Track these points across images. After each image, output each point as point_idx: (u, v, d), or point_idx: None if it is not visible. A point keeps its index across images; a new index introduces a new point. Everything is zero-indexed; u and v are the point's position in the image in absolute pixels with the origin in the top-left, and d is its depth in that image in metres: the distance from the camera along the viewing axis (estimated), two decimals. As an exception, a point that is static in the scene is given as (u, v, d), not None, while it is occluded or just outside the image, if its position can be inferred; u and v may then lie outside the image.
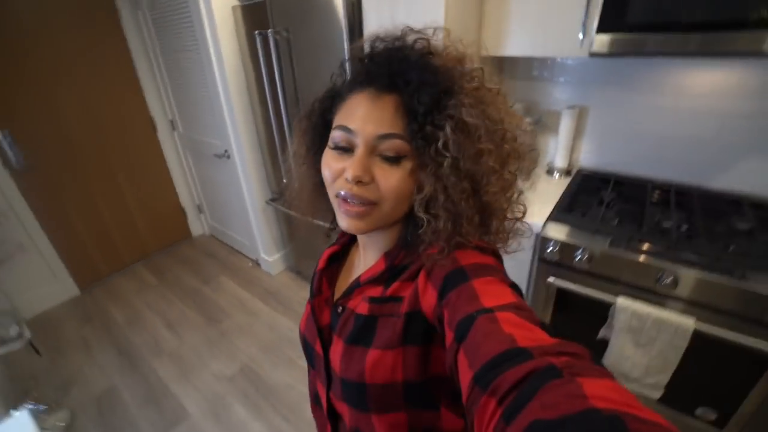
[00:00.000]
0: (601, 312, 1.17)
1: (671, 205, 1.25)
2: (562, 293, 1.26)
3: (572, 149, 1.58)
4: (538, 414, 0.23)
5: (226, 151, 2.20)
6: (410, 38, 0.45)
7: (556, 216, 1.25)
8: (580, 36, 1.16)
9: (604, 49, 1.10)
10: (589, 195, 1.38)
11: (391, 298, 0.48)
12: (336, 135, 0.44)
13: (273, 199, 2.22)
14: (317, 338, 0.56)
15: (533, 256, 1.32)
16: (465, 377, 0.32)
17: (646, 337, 1.08)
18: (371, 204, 0.44)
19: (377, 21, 1.34)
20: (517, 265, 1.38)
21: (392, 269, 0.49)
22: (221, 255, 2.77)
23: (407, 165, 0.42)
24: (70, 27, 2.10)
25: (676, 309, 1.05)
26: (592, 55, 1.14)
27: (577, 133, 1.55)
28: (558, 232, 1.20)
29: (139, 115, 2.52)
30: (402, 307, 0.46)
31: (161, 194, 2.78)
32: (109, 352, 1.98)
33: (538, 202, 1.38)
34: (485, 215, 0.45)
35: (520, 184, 0.48)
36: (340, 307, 0.53)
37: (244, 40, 1.83)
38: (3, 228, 1.98)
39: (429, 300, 0.43)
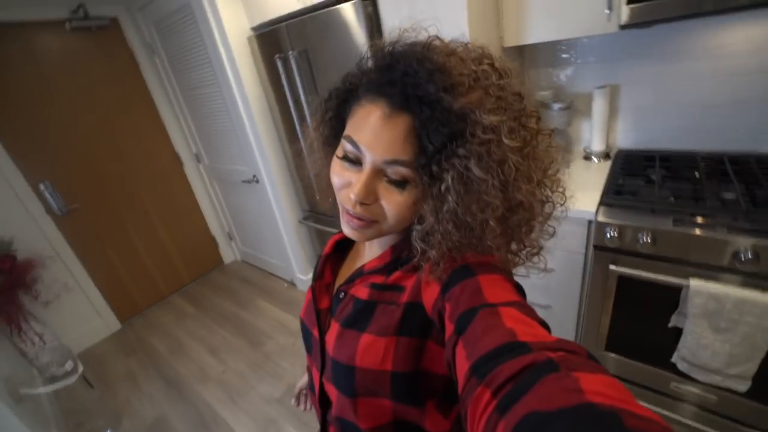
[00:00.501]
0: (671, 297, 1.08)
1: (730, 175, 1.16)
2: (624, 281, 1.17)
3: (608, 131, 1.51)
4: (534, 406, 0.23)
5: (254, 176, 2.23)
6: (431, 59, 0.38)
7: (606, 200, 1.18)
8: (607, 11, 1.12)
9: (637, 19, 1.05)
10: (635, 175, 1.30)
11: (392, 286, 0.48)
12: (346, 146, 0.43)
13: (305, 218, 2.22)
14: (315, 322, 0.56)
15: (587, 245, 1.24)
16: (462, 368, 0.31)
17: (726, 320, 0.98)
18: (372, 221, 0.44)
19: (397, 23, 1.34)
20: (567, 256, 1.31)
21: (397, 261, 0.50)
22: (255, 279, 2.78)
23: (412, 192, 0.41)
24: (95, 77, 2.22)
25: (761, 287, 0.95)
26: (623, 27, 1.10)
27: (611, 113, 1.49)
28: (613, 216, 1.13)
29: (165, 153, 2.62)
30: (403, 296, 0.46)
31: (192, 225, 2.85)
32: (156, 382, 1.99)
33: (581, 189, 1.32)
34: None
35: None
36: (342, 293, 0.54)
37: (261, 66, 1.87)
38: (50, 271, 2.05)
39: (430, 293, 0.42)
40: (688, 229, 1.01)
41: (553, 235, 0.48)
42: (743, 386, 1.03)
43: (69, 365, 1.63)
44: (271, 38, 1.72)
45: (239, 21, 1.81)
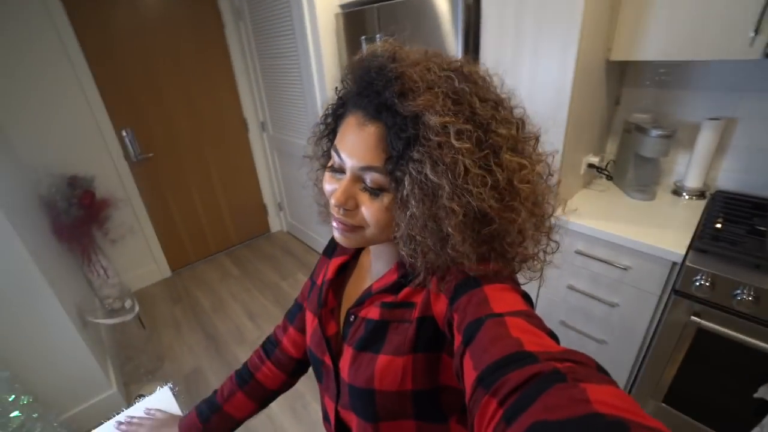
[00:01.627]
0: (762, 366, 0.97)
1: None
2: (703, 335, 1.07)
3: (708, 168, 1.36)
4: (540, 416, 0.23)
5: (315, 152, 2.25)
6: (390, 68, 0.39)
7: (700, 245, 1.07)
8: (752, 34, 0.99)
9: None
10: (736, 222, 1.17)
11: (402, 304, 0.47)
12: (333, 156, 0.44)
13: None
14: (325, 349, 0.55)
15: (665, 287, 1.14)
16: (469, 378, 0.31)
17: (831, 405, 0.87)
18: (356, 227, 0.45)
19: (498, 26, 1.27)
20: (637, 294, 1.21)
21: (404, 277, 0.49)
22: (298, 252, 2.86)
23: (386, 199, 0.42)
24: (184, 36, 2.32)
25: None
26: (769, 56, 0.96)
27: (718, 149, 1.34)
28: (705, 264, 1.02)
29: (233, 116, 2.71)
30: (414, 312, 0.45)
31: (247, 190, 2.95)
32: (197, 334, 2.11)
33: (665, 227, 1.21)
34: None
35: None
36: (353, 316, 0.53)
37: (344, 45, 1.86)
38: (121, 213, 2.20)
39: (440, 305, 0.43)
40: (802, 296, 0.89)
41: (555, 250, 0.46)
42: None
43: (128, 303, 1.76)
44: (358, 18, 1.70)
45: (329, -5, 1.80)
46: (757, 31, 0.97)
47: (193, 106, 2.47)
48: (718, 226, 1.15)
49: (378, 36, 1.59)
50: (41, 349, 1.40)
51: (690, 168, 1.38)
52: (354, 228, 0.45)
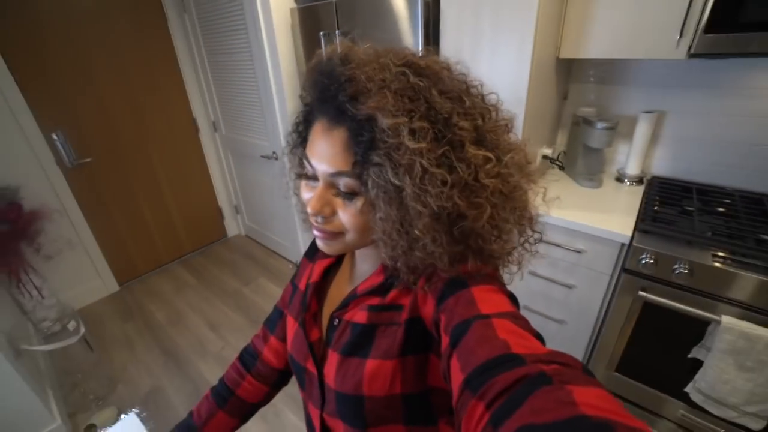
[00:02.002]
0: (695, 330, 1.10)
1: (772, 217, 1.17)
2: (649, 307, 1.19)
3: (645, 156, 1.51)
4: (527, 419, 0.23)
5: (274, 152, 2.18)
6: (341, 71, 0.38)
7: (643, 226, 1.18)
8: (677, 37, 1.10)
9: (712, 50, 1.04)
10: (670, 205, 1.30)
11: (390, 306, 0.46)
12: (305, 164, 0.44)
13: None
14: (309, 355, 0.53)
15: (615, 266, 1.25)
16: (456, 380, 0.32)
17: (754, 360, 1.00)
18: (336, 233, 0.44)
19: (457, 24, 1.30)
20: (591, 275, 1.31)
21: (390, 279, 0.48)
22: (259, 256, 2.75)
23: (359, 202, 0.41)
24: (122, 30, 2.12)
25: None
26: (693, 56, 1.08)
27: (652, 139, 1.49)
28: (648, 243, 1.13)
29: (182, 116, 2.54)
30: (402, 315, 0.45)
31: (200, 194, 2.78)
32: (154, 351, 1.96)
33: (611, 211, 1.32)
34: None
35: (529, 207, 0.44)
36: (336, 320, 0.52)
37: (300, 42, 1.81)
38: (56, 225, 1.98)
39: (428, 306, 0.42)
40: (728, 266, 1.02)
41: (538, 241, 0.46)
42: (758, 425, 1.05)
43: (71, 324, 1.58)
44: (315, 14, 1.66)
45: (284, -10, 1.74)
46: (681, 34, 1.09)
47: (136, 105, 2.28)
48: (656, 208, 1.28)
49: (337, 32, 1.57)
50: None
51: (630, 157, 1.52)
52: (334, 235, 0.44)
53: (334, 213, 0.43)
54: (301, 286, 0.60)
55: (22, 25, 1.80)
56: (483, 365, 0.30)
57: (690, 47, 1.07)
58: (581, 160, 1.57)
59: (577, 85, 1.61)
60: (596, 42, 1.26)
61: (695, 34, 1.04)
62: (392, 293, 0.47)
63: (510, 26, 1.18)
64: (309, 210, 0.43)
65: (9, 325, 1.51)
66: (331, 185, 0.42)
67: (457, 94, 0.39)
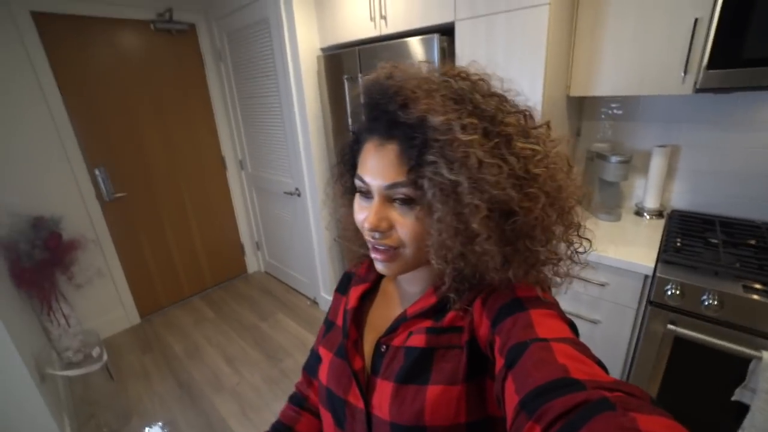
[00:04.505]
0: (736, 368, 1.03)
1: (800, 248, 1.13)
2: (681, 344, 1.13)
3: (663, 190, 1.51)
4: None
5: (297, 189, 2.28)
6: (390, 84, 0.42)
7: (666, 257, 1.16)
8: (681, 74, 1.15)
9: (715, 84, 1.08)
10: (693, 237, 1.28)
11: (449, 328, 0.45)
12: (358, 183, 0.45)
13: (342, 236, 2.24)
14: (352, 386, 0.50)
15: (640, 300, 1.21)
16: (511, 402, 0.30)
17: (803, 399, 0.93)
18: (395, 249, 0.44)
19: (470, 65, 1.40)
20: (616, 309, 1.27)
21: (443, 302, 0.47)
22: (278, 292, 2.77)
23: (416, 208, 0.42)
24: (164, 76, 2.36)
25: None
26: (699, 90, 1.12)
27: (669, 173, 1.50)
28: (673, 274, 1.11)
29: (211, 154, 2.71)
30: (463, 337, 0.44)
31: (223, 230, 2.89)
32: (169, 383, 1.94)
33: (633, 244, 1.31)
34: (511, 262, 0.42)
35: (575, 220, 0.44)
36: (384, 346, 0.49)
37: (325, 86, 1.96)
38: (89, 255, 2.09)
39: (483, 328, 0.42)
40: (760, 296, 0.98)
41: (588, 250, 0.46)
42: (817, 477, 0.95)
43: (95, 351, 1.62)
44: (340, 60, 1.82)
45: (311, 40, 1.92)
46: (686, 70, 1.14)
47: (171, 144, 2.46)
48: (678, 241, 1.26)
49: (359, 75, 1.70)
50: (-7, 406, 1.25)
51: (647, 191, 1.52)
52: (393, 253, 0.44)
53: (391, 227, 0.43)
54: (335, 319, 0.59)
55: (80, 72, 2.03)
56: (540, 388, 0.28)
57: (695, 83, 1.11)
58: (598, 195, 1.58)
59: (590, 122, 1.67)
60: (605, 79, 1.33)
61: (699, 70, 1.09)
62: (449, 315, 0.46)
63: (520, 67, 1.26)
64: (366, 227, 0.43)
65: (36, 349, 1.55)
66: (386, 199, 0.43)
67: (498, 97, 0.42)
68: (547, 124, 0.44)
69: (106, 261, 2.26)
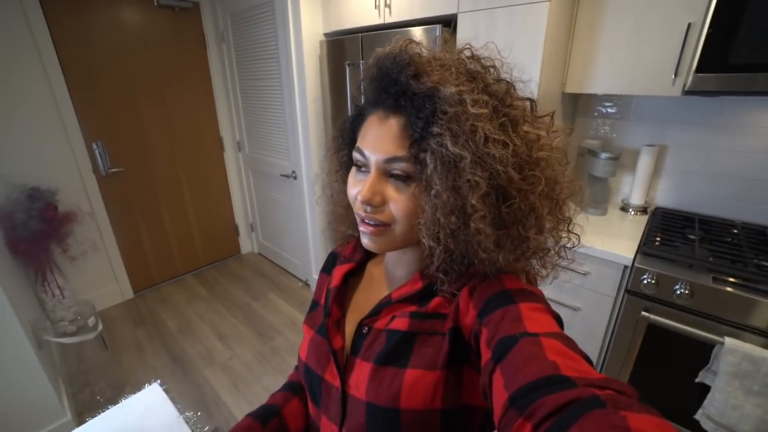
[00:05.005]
0: (701, 352, 1.11)
1: (771, 246, 1.21)
2: (653, 330, 1.20)
3: (648, 187, 1.57)
4: None
5: (293, 171, 2.31)
6: (403, 56, 0.42)
7: (645, 249, 1.23)
8: (672, 76, 1.21)
9: (702, 87, 1.13)
10: (672, 233, 1.35)
11: (433, 314, 0.45)
12: (355, 156, 0.45)
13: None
14: (330, 364, 0.50)
15: (619, 289, 1.28)
16: (500, 397, 0.30)
17: (760, 384, 1.00)
18: (385, 225, 0.44)
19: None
20: (595, 297, 1.34)
21: (429, 287, 0.47)
22: (270, 273, 2.81)
23: (413, 186, 0.42)
24: (165, 56, 2.35)
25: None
26: (687, 93, 1.18)
27: (655, 172, 1.56)
28: (650, 264, 1.18)
29: (209, 135, 2.71)
30: (446, 324, 0.44)
31: (219, 210, 2.91)
32: (162, 357, 1.99)
33: (616, 237, 1.37)
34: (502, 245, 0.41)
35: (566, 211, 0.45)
36: (366, 328, 0.50)
37: (326, 71, 1.98)
38: (84, 228, 2.10)
39: (468, 317, 0.41)
40: (728, 288, 1.05)
41: (577, 245, 0.47)
42: (769, 454, 1.03)
43: (91, 321, 1.65)
44: (342, 46, 1.83)
45: (315, 24, 1.93)
46: (676, 73, 1.19)
47: (169, 122, 2.46)
48: (659, 236, 1.32)
49: (361, 62, 1.72)
50: (-7, 368, 1.28)
51: (634, 188, 1.58)
52: (382, 228, 0.44)
53: (384, 202, 0.43)
54: (318, 298, 0.60)
55: (81, 48, 2.02)
56: (530, 384, 0.28)
57: (684, 85, 1.17)
58: (587, 190, 1.64)
59: (584, 119, 1.72)
60: (600, 78, 1.38)
61: (688, 73, 1.14)
62: (435, 301, 0.46)
63: (520, 61, 1.30)
64: (359, 199, 0.43)
65: (32, 318, 1.57)
66: (383, 173, 0.43)
67: (507, 83, 0.43)
68: (551, 115, 0.45)
69: (101, 235, 2.28)
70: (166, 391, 0.77)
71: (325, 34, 1.98)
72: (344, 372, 0.49)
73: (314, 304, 0.60)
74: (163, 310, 2.39)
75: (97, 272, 2.31)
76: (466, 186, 0.38)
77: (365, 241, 0.46)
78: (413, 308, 0.47)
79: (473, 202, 0.38)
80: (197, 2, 2.39)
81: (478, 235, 0.39)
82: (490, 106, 0.39)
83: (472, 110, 0.38)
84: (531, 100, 0.44)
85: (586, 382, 0.27)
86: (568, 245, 0.47)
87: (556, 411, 0.25)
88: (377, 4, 1.63)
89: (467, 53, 0.44)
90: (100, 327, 1.65)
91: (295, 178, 2.33)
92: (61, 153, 2.04)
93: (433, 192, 0.40)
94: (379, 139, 0.42)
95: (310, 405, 0.54)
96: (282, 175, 2.41)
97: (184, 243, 2.73)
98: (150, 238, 2.55)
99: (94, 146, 2.14)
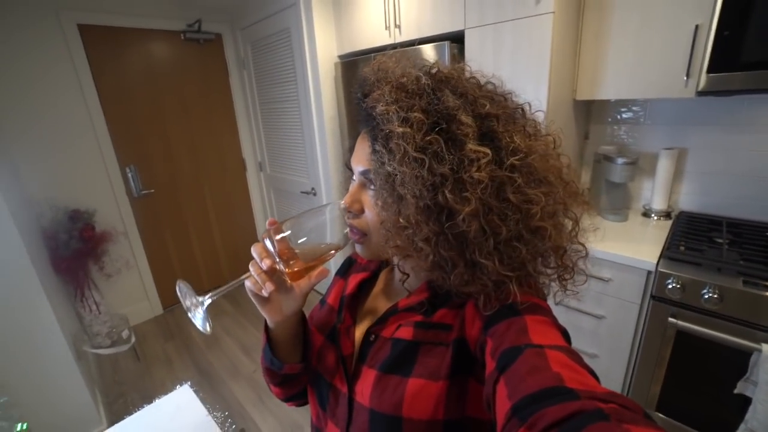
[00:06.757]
0: (738, 361, 1.06)
1: (804, 247, 1.15)
2: (683, 337, 1.16)
3: (670, 192, 1.54)
4: None
5: (313, 188, 2.38)
6: (364, 74, 0.44)
7: (669, 254, 1.19)
8: (684, 77, 1.20)
9: (715, 87, 1.12)
10: (698, 236, 1.31)
11: (438, 325, 0.45)
12: (349, 172, 0.50)
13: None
14: (339, 371, 0.51)
15: (644, 296, 1.25)
16: (502, 407, 0.30)
17: (801, 392, 0.95)
18: (363, 234, 0.46)
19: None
20: (620, 304, 1.31)
21: (436, 297, 0.48)
22: (292, 287, 2.86)
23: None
24: (191, 83, 2.52)
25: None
26: (701, 94, 1.17)
27: (676, 175, 1.52)
28: (675, 269, 1.14)
29: (232, 157, 2.85)
30: (450, 335, 0.44)
31: (242, 228, 3.02)
32: (191, 370, 2.05)
33: (639, 242, 1.34)
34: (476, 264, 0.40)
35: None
36: (373, 336, 0.50)
37: (341, 90, 2.06)
38: (119, 246, 2.23)
39: (474, 329, 0.42)
40: (762, 291, 1.01)
41: (586, 256, 0.45)
42: (817, 469, 0.96)
43: (125, 333, 1.74)
44: (356, 66, 1.91)
45: (330, 47, 2.03)
46: (688, 75, 1.18)
47: (195, 146, 2.61)
48: (683, 240, 1.29)
49: (374, 81, 1.79)
50: (38, 377, 1.37)
51: (654, 192, 1.55)
52: (362, 236, 0.47)
53: (362, 211, 0.46)
54: (330, 300, 0.60)
55: (116, 80, 2.20)
56: (533, 395, 0.28)
57: (697, 86, 1.15)
58: (605, 196, 1.62)
59: (598, 126, 1.71)
60: (610, 84, 1.38)
61: (700, 73, 1.13)
62: (440, 312, 0.46)
63: (526, 72, 1.33)
64: (341, 206, 0.46)
65: (73, 330, 1.67)
66: (363, 185, 0.46)
67: (473, 97, 0.41)
68: (525, 129, 0.42)
69: (134, 253, 2.41)
70: (196, 392, 0.80)
71: (340, 56, 2.07)
72: (352, 379, 0.50)
73: (322, 302, 0.62)
74: (191, 325, 2.47)
75: (130, 289, 2.43)
76: (400, 202, 0.40)
77: (356, 248, 0.49)
78: (418, 318, 0.47)
79: (402, 219, 0.40)
80: (220, 33, 2.56)
81: (420, 252, 0.40)
82: (426, 127, 0.38)
83: (398, 129, 0.38)
84: (500, 117, 0.41)
85: (590, 395, 0.27)
86: (566, 276, 0.45)
87: (559, 422, 0.25)
88: (387, 25, 1.71)
89: (431, 68, 0.45)
90: (133, 339, 1.73)
91: (315, 194, 2.40)
92: (98, 177, 2.20)
93: (380, 205, 0.42)
94: (358, 154, 0.46)
95: (317, 409, 0.55)
96: (302, 192, 2.48)
97: (209, 260, 2.84)
98: (178, 256, 2.67)
99: (127, 170, 2.29)
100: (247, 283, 0.46)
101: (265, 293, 0.44)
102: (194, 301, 0.46)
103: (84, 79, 2.06)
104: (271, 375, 0.55)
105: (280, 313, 0.48)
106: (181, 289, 0.47)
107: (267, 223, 0.46)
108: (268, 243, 0.44)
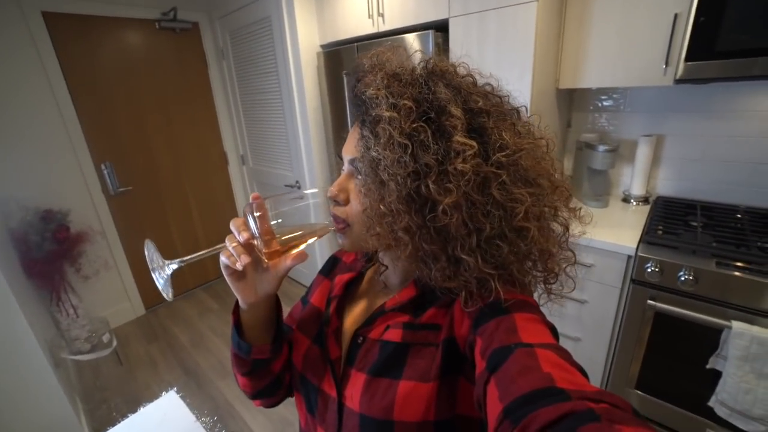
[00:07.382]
0: (710, 338, 1.11)
1: (773, 229, 1.21)
2: (661, 318, 1.21)
3: (649, 177, 1.58)
4: None
5: (297, 181, 2.35)
6: (360, 62, 0.45)
7: (647, 238, 1.23)
8: (663, 66, 1.23)
9: (692, 75, 1.15)
10: (675, 221, 1.36)
11: (427, 325, 0.45)
12: (339, 162, 0.49)
13: (338, 227, 2.30)
14: (327, 375, 0.49)
15: (624, 278, 1.29)
16: (494, 409, 0.30)
17: (771, 365, 1.00)
18: (347, 224, 0.45)
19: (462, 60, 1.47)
20: (601, 289, 1.35)
21: (423, 296, 0.47)
22: (278, 283, 2.83)
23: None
24: (168, 75, 2.42)
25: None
26: (678, 81, 1.20)
27: (654, 161, 1.57)
28: (654, 253, 1.18)
29: (214, 150, 2.78)
30: (439, 335, 0.43)
31: (225, 223, 2.91)
32: (176, 371, 2.01)
33: (619, 227, 1.38)
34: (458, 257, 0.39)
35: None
36: (361, 338, 0.49)
37: (324, 81, 2.03)
38: (96, 247, 2.14)
39: (463, 328, 0.41)
40: (732, 271, 1.06)
41: (574, 263, 0.45)
42: (786, 437, 1.03)
43: (106, 337, 1.68)
44: (339, 56, 1.88)
45: (311, 37, 1.99)
46: (666, 63, 1.21)
47: (174, 140, 2.53)
48: (661, 224, 1.33)
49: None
50: (11, 389, 1.30)
51: (634, 178, 1.60)
52: (345, 226, 0.46)
53: (348, 201, 0.45)
54: (314, 300, 0.58)
55: (87, 71, 2.09)
56: (525, 396, 0.28)
57: (675, 74, 1.19)
58: (587, 183, 1.65)
59: (580, 114, 1.74)
60: (592, 72, 1.40)
61: (678, 62, 1.16)
62: (429, 312, 0.45)
63: (511, 60, 1.34)
64: (327, 194, 0.46)
65: (49, 337, 1.61)
66: (351, 174, 0.46)
67: (467, 92, 0.40)
68: (513, 125, 0.42)
69: (112, 253, 2.32)
70: (183, 398, 0.79)
71: (322, 46, 2.03)
72: (341, 382, 0.48)
73: (304, 302, 0.60)
74: (175, 325, 2.42)
75: (110, 290, 2.35)
76: (382, 188, 0.39)
77: (339, 240, 0.48)
78: (407, 318, 0.47)
79: (382, 206, 0.39)
80: (197, 22, 2.47)
81: (399, 242, 0.40)
82: (413, 115, 0.38)
83: (386, 113, 0.38)
84: (491, 113, 0.40)
85: (581, 395, 0.27)
86: (551, 280, 0.44)
87: (551, 424, 0.25)
88: (371, 13, 1.68)
89: (426, 59, 0.45)
90: (115, 343, 1.68)
91: (299, 187, 2.36)
92: (72, 175, 2.10)
93: (363, 191, 0.41)
94: (348, 143, 0.46)
95: (305, 414, 0.54)
96: (286, 185, 2.44)
97: (192, 257, 2.77)
98: (160, 254, 2.58)
99: (103, 167, 2.20)
100: (222, 258, 0.45)
101: (239, 266, 0.42)
102: (159, 263, 0.46)
103: (52, 70, 1.95)
104: (239, 362, 0.53)
105: (254, 294, 0.47)
106: (149, 247, 0.46)
107: (251, 197, 0.44)
108: (250, 219, 0.43)
